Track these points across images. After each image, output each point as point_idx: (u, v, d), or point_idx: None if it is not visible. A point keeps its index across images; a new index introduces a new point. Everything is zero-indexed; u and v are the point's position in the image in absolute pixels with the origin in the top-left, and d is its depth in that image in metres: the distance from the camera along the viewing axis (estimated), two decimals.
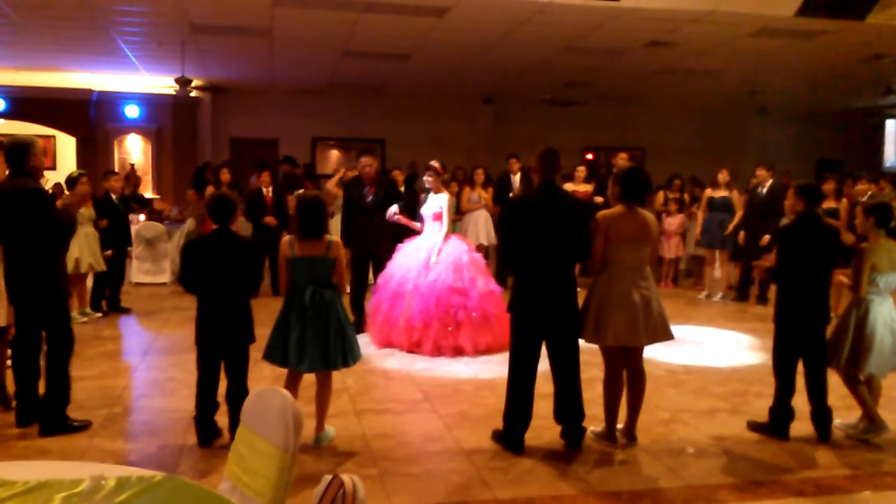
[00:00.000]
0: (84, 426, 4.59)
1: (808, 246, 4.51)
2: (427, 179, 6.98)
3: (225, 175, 9.67)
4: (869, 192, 8.44)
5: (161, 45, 10.43)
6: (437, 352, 6.46)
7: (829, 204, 8.40)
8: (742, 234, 9.36)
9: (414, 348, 6.53)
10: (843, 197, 8.77)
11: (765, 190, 9.20)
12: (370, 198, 7.17)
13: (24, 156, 4.45)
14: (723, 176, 9.74)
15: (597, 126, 16.26)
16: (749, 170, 9.65)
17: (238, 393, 4.21)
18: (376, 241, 7.08)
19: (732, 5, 8.24)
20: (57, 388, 4.52)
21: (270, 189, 9.77)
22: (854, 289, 4.61)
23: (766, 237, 8.75)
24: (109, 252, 7.93)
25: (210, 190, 9.43)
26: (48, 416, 4.48)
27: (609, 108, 16.09)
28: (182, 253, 4.46)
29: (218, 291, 4.30)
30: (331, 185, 10.18)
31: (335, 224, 9.44)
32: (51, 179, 11.21)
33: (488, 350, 6.50)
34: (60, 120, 14.06)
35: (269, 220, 9.47)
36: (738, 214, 9.48)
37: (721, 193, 9.70)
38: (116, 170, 13.42)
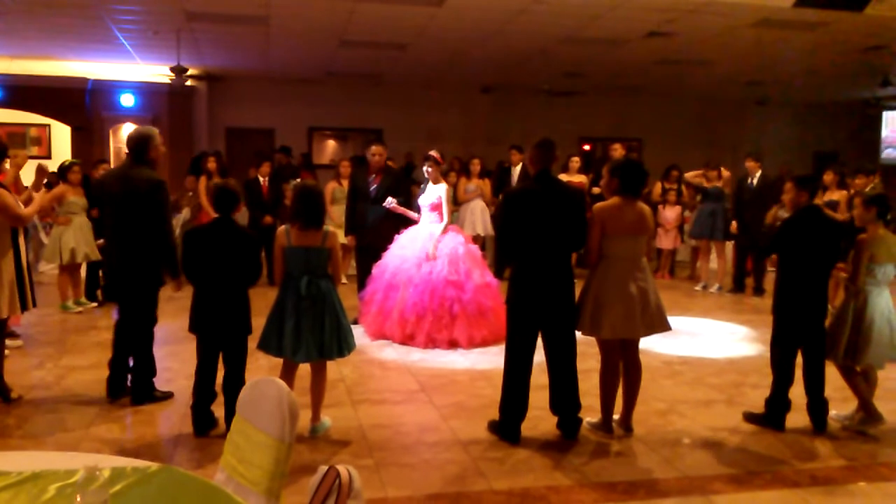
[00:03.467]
0: (167, 396, 4.98)
1: (810, 238, 4.50)
2: (427, 170, 6.93)
3: (211, 164, 9.47)
4: (870, 186, 8.43)
5: (156, 34, 10.36)
6: (431, 344, 6.44)
7: (831, 196, 8.40)
8: (734, 224, 9.38)
9: (407, 341, 6.50)
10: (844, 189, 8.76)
11: (755, 181, 9.20)
12: (374, 187, 7.14)
13: (146, 146, 4.83)
14: (711, 173, 9.81)
15: (594, 116, 16.22)
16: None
17: (235, 383, 4.20)
18: (376, 231, 7.06)
19: None
20: (145, 362, 4.90)
21: (266, 179, 9.74)
22: (852, 280, 4.61)
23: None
24: (102, 241, 7.90)
25: (203, 180, 9.36)
26: (139, 386, 4.88)
27: (607, 98, 16.04)
28: (181, 241, 4.46)
29: (216, 281, 4.28)
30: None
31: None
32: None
33: (483, 343, 6.48)
34: (55, 108, 13.97)
35: (268, 219, 9.43)
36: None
37: (714, 183, 9.72)
38: (111, 158, 13.37)
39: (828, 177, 8.60)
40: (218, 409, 4.37)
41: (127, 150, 4.97)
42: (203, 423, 4.34)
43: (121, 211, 4.80)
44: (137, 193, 4.73)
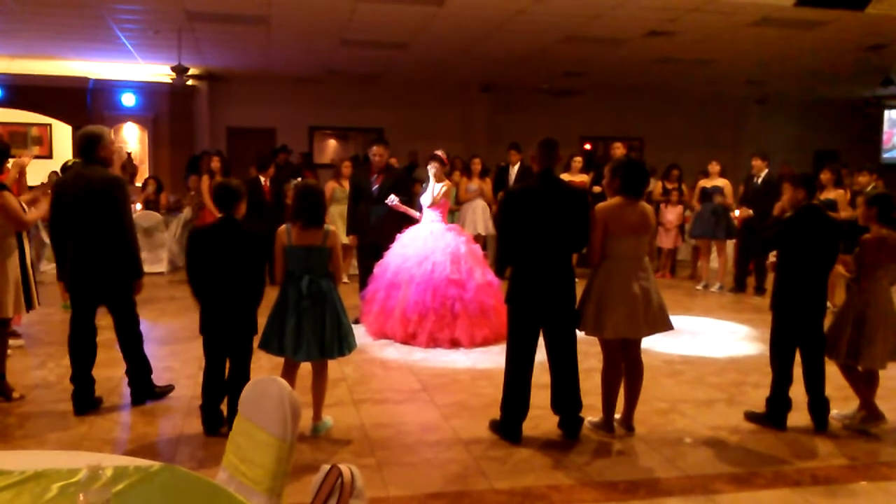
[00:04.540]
0: (167, 391, 5.01)
1: (810, 237, 4.50)
2: (430, 168, 6.96)
3: (215, 163, 9.46)
4: (871, 185, 8.42)
5: (157, 33, 10.37)
6: (433, 343, 6.43)
7: (828, 194, 8.36)
8: (740, 212, 9.39)
9: (409, 340, 6.50)
10: (842, 187, 8.73)
11: (760, 180, 9.19)
12: (376, 186, 7.15)
13: (94, 145, 4.70)
14: (713, 167, 9.79)
15: (595, 116, 16.20)
16: (747, 160, 9.68)
17: (239, 383, 4.18)
18: (378, 230, 7.07)
19: None
20: (139, 361, 4.89)
21: (268, 179, 9.75)
22: (855, 280, 4.60)
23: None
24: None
25: (206, 179, 9.37)
26: (137, 386, 4.89)
27: (607, 97, 16.03)
28: (186, 242, 4.46)
29: (221, 281, 4.27)
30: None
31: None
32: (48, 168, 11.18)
33: (485, 342, 6.47)
34: (57, 108, 13.99)
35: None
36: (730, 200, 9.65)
37: (714, 183, 9.72)
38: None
39: (825, 175, 8.56)
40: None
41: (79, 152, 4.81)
42: (213, 422, 4.34)
43: (79, 212, 4.60)
44: (93, 192, 4.58)
